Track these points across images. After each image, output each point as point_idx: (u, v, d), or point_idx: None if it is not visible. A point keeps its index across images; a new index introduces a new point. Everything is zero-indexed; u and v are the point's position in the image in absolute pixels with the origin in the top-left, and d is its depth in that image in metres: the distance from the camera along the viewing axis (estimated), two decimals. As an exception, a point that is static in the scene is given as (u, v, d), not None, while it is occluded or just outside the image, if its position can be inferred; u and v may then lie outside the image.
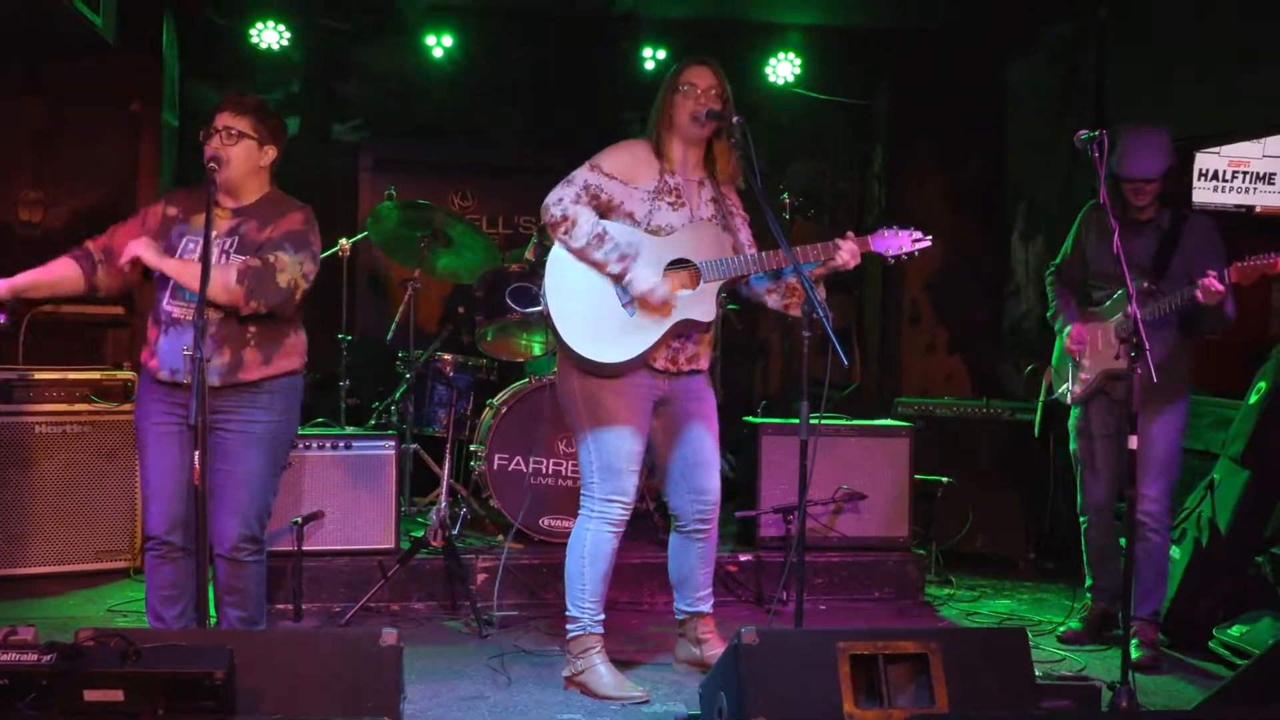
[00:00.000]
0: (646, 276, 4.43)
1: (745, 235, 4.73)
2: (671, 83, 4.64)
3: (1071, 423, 5.49)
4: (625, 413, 4.52)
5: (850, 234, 4.60)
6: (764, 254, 4.56)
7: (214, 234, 4.16)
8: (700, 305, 4.53)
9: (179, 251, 4.27)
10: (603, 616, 4.64)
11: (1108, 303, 5.34)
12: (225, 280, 4.12)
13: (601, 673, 4.56)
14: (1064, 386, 5.44)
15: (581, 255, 4.48)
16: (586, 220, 4.46)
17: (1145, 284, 5.12)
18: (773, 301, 4.72)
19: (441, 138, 8.52)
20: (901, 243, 4.60)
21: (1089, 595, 5.57)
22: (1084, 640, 5.46)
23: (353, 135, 8.52)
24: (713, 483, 4.73)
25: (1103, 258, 5.31)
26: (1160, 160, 5.14)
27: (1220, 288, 4.84)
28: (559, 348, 4.60)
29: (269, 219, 4.35)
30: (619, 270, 4.43)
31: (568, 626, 4.65)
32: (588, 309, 4.48)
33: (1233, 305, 5.02)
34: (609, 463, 4.53)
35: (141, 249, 4.13)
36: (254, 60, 7.96)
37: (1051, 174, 7.81)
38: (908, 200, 8.47)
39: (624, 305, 4.48)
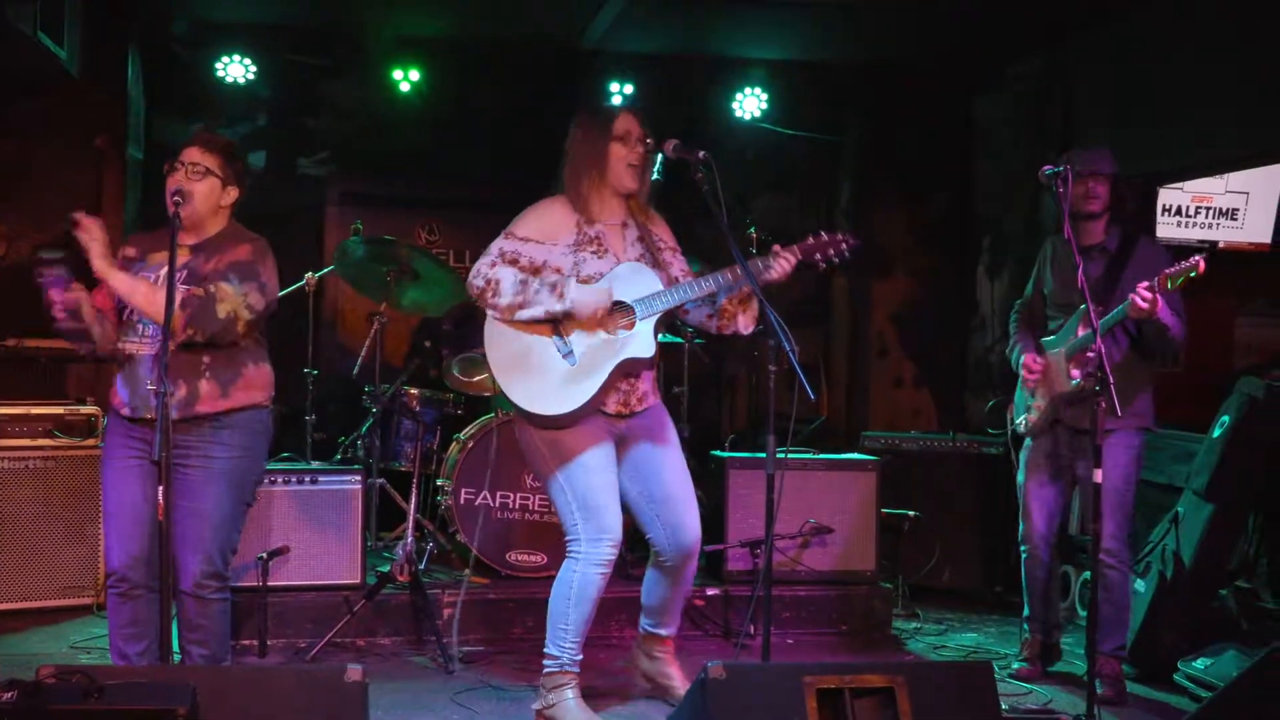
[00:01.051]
0: (585, 296, 4.42)
1: (678, 268, 4.71)
2: (602, 131, 4.59)
3: (1023, 454, 5.50)
4: (590, 445, 4.50)
5: (777, 246, 4.52)
6: (694, 281, 4.53)
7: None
8: (639, 342, 4.51)
9: None
10: (580, 656, 4.59)
11: (1058, 333, 5.34)
12: (161, 301, 4.04)
13: (570, 706, 4.52)
14: (1021, 418, 5.46)
15: (513, 310, 4.46)
16: (508, 275, 4.46)
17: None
18: (713, 326, 4.71)
19: (408, 172, 8.49)
20: (827, 248, 4.49)
21: (1026, 626, 5.51)
22: (1035, 675, 5.41)
23: (319, 169, 8.49)
24: (690, 517, 4.68)
25: (1056, 288, 5.35)
26: (1109, 163, 5.17)
27: (1148, 296, 4.77)
28: (513, 406, 4.58)
29: (219, 251, 4.35)
30: (553, 300, 4.41)
31: (545, 663, 4.60)
32: (529, 369, 4.48)
33: (1173, 320, 4.97)
34: (586, 499, 4.49)
35: (94, 257, 4.11)
36: (220, 94, 7.91)
37: (1018, 209, 7.86)
38: (875, 235, 8.48)
39: (563, 356, 4.48)
